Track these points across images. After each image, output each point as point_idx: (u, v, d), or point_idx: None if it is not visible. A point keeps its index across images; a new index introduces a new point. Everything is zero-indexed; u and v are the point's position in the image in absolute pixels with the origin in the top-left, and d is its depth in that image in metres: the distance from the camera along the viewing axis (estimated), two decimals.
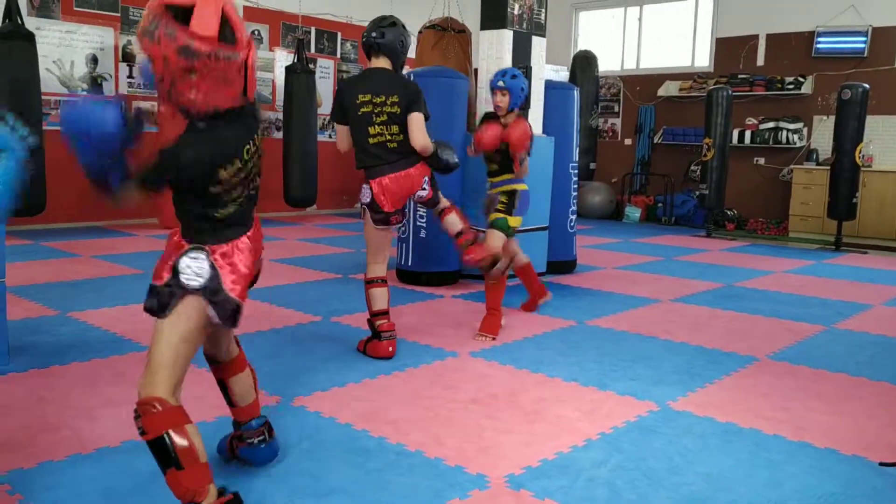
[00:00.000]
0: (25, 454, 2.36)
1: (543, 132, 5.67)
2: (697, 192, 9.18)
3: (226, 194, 1.87)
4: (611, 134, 11.28)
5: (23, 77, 6.45)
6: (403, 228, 5.33)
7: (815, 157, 9.35)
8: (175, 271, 1.87)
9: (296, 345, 3.70)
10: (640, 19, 11.05)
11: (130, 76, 8.20)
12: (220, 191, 1.86)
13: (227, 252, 1.90)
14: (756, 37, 9.91)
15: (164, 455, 1.80)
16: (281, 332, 3.92)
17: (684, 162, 10.48)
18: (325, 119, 10.00)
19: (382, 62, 3.56)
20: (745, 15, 9.93)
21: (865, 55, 9.06)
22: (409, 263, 5.36)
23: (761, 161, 9.95)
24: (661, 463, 2.46)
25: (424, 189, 3.60)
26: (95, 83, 7.91)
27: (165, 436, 1.79)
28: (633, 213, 10.43)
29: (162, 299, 1.89)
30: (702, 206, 8.98)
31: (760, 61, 9.90)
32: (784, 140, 9.60)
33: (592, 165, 10.38)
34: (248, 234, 1.98)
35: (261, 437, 2.26)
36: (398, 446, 2.51)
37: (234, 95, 1.78)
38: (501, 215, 4.03)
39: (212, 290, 1.86)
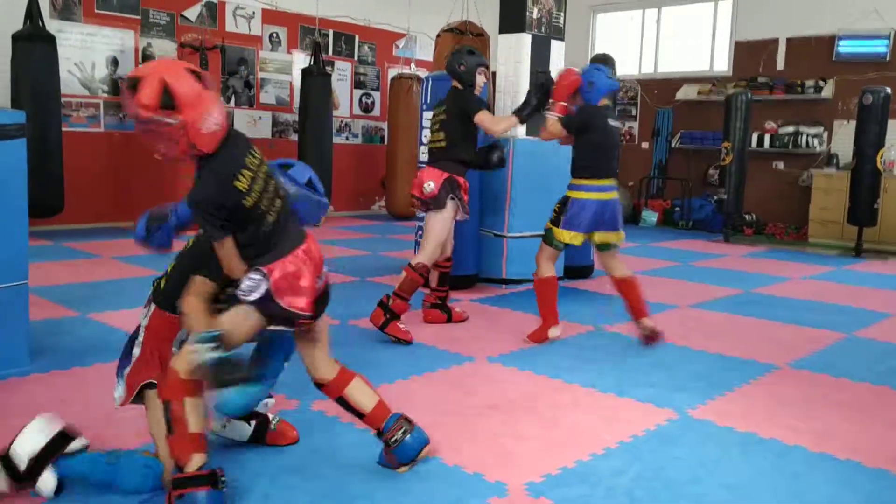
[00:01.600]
0: None
1: None
2: (715, 197, 9.11)
3: (258, 207, 2.10)
4: (628, 137, 11.23)
5: (43, 79, 6.53)
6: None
7: (835, 161, 9.25)
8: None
9: None
10: (658, 22, 10.99)
11: None
12: (251, 203, 2.09)
13: (281, 268, 2.12)
14: (776, 40, 9.82)
15: (165, 419, 2.06)
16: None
17: (702, 166, 10.41)
18: (341, 122, 10.04)
19: (455, 83, 4.21)
20: (764, 18, 9.85)
21: (887, 59, 8.95)
22: None
23: (780, 165, 9.86)
24: (682, 473, 2.44)
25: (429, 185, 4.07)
26: (116, 85, 7.98)
27: (166, 403, 2.05)
28: (650, 217, 10.37)
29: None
30: (720, 211, 8.91)
31: (780, 65, 9.81)
32: (804, 144, 9.52)
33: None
34: (303, 247, 2.19)
35: (402, 430, 2.35)
36: None
37: (196, 145, 2.05)
38: (549, 226, 3.91)
39: (264, 303, 2.10)
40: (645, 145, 11.14)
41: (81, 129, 7.65)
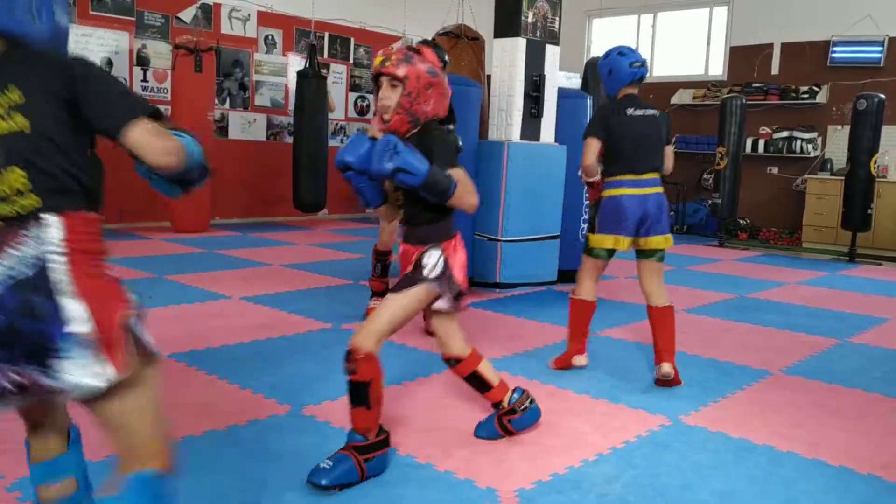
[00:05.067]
0: None
1: (556, 140, 5.65)
2: (710, 201, 9.13)
3: None
4: None
5: None
6: None
7: (829, 167, 9.28)
8: (418, 264, 2.35)
9: (305, 352, 3.69)
10: (653, 27, 11.02)
11: (144, 80, 8.24)
12: None
13: (454, 246, 2.40)
14: (771, 45, 9.85)
15: (361, 395, 2.25)
16: (291, 339, 3.92)
17: (697, 170, 10.43)
18: (336, 124, 10.02)
19: None
20: (759, 23, 9.88)
21: (882, 65, 8.99)
22: None
23: (775, 170, 9.89)
24: (674, 479, 2.43)
25: None
26: None
27: (371, 382, 2.24)
28: None
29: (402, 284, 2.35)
30: (714, 215, 8.93)
31: (775, 70, 9.84)
32: (798, 150, 9.54)
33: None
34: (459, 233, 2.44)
35: (529, 400, 2.69)
36: (408, 458, 2.50)
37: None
38: (588, 235, 3.52)
39: (444, 278, 2.34)
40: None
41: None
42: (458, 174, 2.25)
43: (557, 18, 5.62)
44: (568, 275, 5.84)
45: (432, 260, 2.33)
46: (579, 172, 3.54)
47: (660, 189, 3.40)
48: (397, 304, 2.31)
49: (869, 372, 3.79)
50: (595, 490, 2.33)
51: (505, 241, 5.33)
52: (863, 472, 2.55)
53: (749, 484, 2.42)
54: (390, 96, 2.26)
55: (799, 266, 7.55)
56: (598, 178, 3.45)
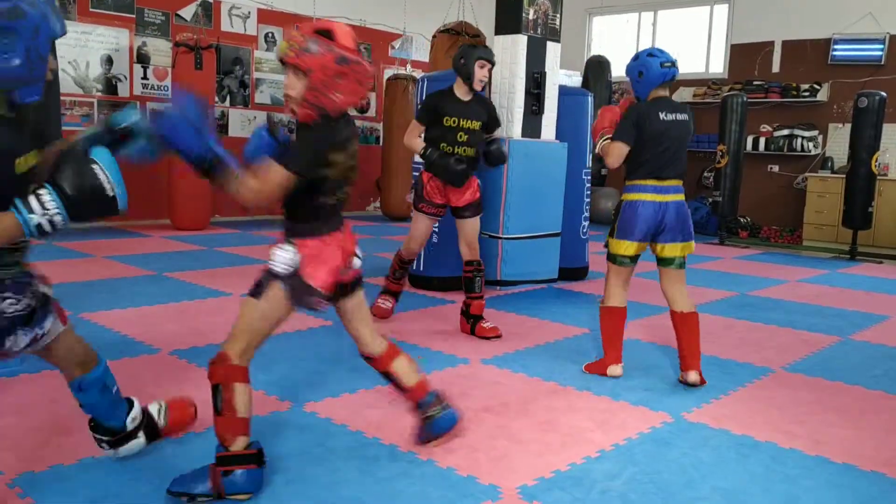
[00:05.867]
0: (37, 457, 2.35)
1: (556, 138, 5.64)
2: (710, 199, 9.12)
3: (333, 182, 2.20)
4: None
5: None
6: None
7: (830, 165, 9.27)
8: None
9: (306, 349, 3.68)
10: (654, 24, 11.00)
11: (145, 77, 8.23)
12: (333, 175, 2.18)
13: (314, 245, 2.21)
14: (771, 43, 9.84)
15: (214, 399, 2.14)
16: (291, 336, 3.91)
17: (697, 168, 10.42)
18: None
19: None
20: (760, 21, 9.87)
21: (883, 63, 8.98)
22: (421, 268, 5.34)
23: (775, 169, 9.88)
24: (676, 476, 2.42)
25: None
26: (110, 84, 7.94)
27: (219, 386, 2.13)
28: None
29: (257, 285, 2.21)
30: (715, 214, 8.92)
31: (776, 68, 9.83)
32: (799, 148, 9.53)
33: (604, 171, 10.34)
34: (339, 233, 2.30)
35: (438, 408, 2.50)
36: (409, 455, 2.49)
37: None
38: (608, 239, 3.43)
39: (290, 277, 2.16)
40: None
41: (76, 127, 7.61)
42: (259, 169, 2.05)
43: (558, 15, 5.61)
44: (569, 272, 5.84)
45: (281, 255, 2.18)
46: (597, 150, 3.46)
47: (681, 196, 3.34)
48: (253, 310, 2.17)
49: (870, 369, 3.78)
50: (597, 487, 2.32)
51: (506, 238, 5.33)
52: (865, 469, 2.54)
53: (751, 481, 2.42)
54: (295, 85, 2.08)
55: (800, 264, 7.55)
56: None
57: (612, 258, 3.39)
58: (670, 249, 3.32)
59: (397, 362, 2.48)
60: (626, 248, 3.30)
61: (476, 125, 4.05)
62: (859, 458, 2.63)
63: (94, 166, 1.68)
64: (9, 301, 1.81)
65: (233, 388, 2.13)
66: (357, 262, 2.39)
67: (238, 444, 2.14)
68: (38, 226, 1.68)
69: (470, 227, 4.12)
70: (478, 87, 4.02)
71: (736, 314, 4.93)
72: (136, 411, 2.33)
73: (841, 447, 2.73)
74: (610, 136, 3.36)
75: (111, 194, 1.69)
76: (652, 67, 3.29)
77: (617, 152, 3.30)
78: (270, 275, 2.18)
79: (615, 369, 3.44)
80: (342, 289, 2.32)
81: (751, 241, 9.29)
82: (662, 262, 3.38)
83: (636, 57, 3.37)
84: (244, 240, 7.44)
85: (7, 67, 1.65)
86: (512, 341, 3.99)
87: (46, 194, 1.67)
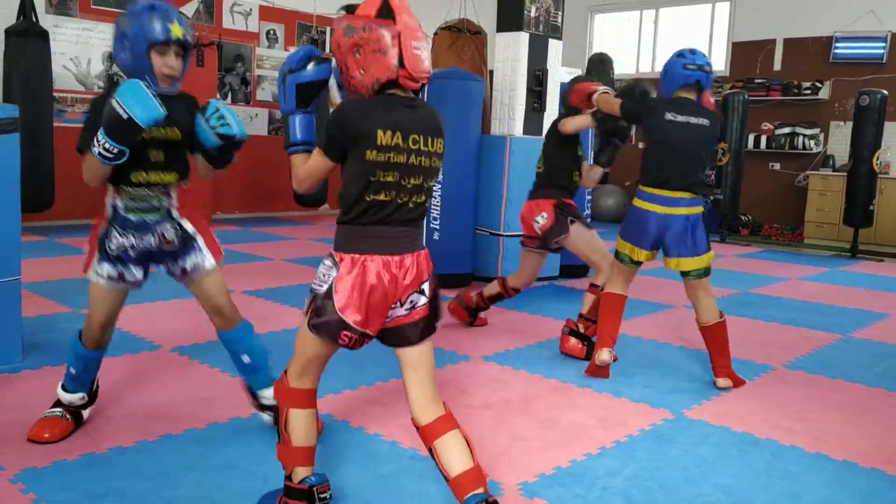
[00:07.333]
0: (39, 453, 2.36)
1: None
2: (712, 197, 9.11)
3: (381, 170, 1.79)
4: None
5: (35, 75, 6.49)
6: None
7: (831, 163, 9.27)
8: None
9: None
10: (655, 22, 10.99)
11: None
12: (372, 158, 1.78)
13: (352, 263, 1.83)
14: (773, 41, 9.83)
15: (276, 421, 2.05)
16: (292, 332, 3.89)
17: None
18: None
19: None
20: (762, 19, 9.85)
21: (884, 61, 8.97)
22: None
23: (777, 166, 9.87)
24: (677, 473, 2.43)
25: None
26: (111, 81, 7.94)
27: (279, 409, 1.99)
28: None
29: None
30: (716, 211, 8.92)
31: (777, 66, 9.82)
32: (800, 146, 9.53)
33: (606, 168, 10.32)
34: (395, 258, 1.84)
35: (307, 493, 1.96)
36: (411, 451, 2.50)
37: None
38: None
39: (322, 297, 1.87)
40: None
41: (77, 124, 7.60)
42: (305, 157, 1.94)
43: (560, 13, 5.61)
44: (569, 270, 5.84)
45: (320, 267, 1.89)
46: (594, 98, 3.44)
47: (693, 210, 3.19)
48: (300, 329, 1.97)
49: (871, 367, 3.78)
50: (598, 483, 2.33)
51: (507, 235, 5.33)
52: (866, 467, 2.55)
53: (752, 478, 2.42)
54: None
55: (801, 262, 7.55)
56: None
57: (615, 252, 3.39)
58: (683, 263, 3.22)
59: (442, 441, 1.89)
60: (630, 250, 3.27)
61: None
62: (859, 455, 2.64)
63: (112, 100, 2.07)
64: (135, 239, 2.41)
65: (287, 413, 1.96)
66: (419, 301, 1.89)
67: (296, 475, 1.96)
68: (100, 154, 2.10)
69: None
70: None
71: (737, 312, 4.93)
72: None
73: (841, 444, 2.73)
74: (606, 92, 3.33)
75: (125, 116, 2.05)
76: (674, 67, 3.19)
77: (612, 107, 3.27)
78: (310, 290, 1.91)
79: (602, 354, 3.29)
80: (396, 333, 1.91)
81: (752, 239, 9.29)
82: (682, 274, 3.28)
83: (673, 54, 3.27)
84: (246, 237, 7.44)
85: (118, 59, 2.26)
86: (513, 338, 3.99)
87: (99, 132, 2.11)
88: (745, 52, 10.03)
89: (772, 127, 9.79)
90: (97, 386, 2.65)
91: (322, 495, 1.97)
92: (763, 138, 9.78)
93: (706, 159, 3.24)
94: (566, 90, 3.81)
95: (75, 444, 2.43)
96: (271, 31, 9.32)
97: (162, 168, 2.34)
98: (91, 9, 7.73)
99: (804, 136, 9.50)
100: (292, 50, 2.08)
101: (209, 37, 8.02)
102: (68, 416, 2.53)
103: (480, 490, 1.84)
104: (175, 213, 2.43)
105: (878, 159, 7.84)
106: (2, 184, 3.09)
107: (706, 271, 3.25)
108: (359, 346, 1.91)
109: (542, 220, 3.78)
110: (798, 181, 9.66)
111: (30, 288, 4.48)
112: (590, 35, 11.63)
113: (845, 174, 8.23)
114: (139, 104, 2.06)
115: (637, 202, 3.24)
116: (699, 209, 3.23)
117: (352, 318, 1.82)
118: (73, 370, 2.52)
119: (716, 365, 3.31)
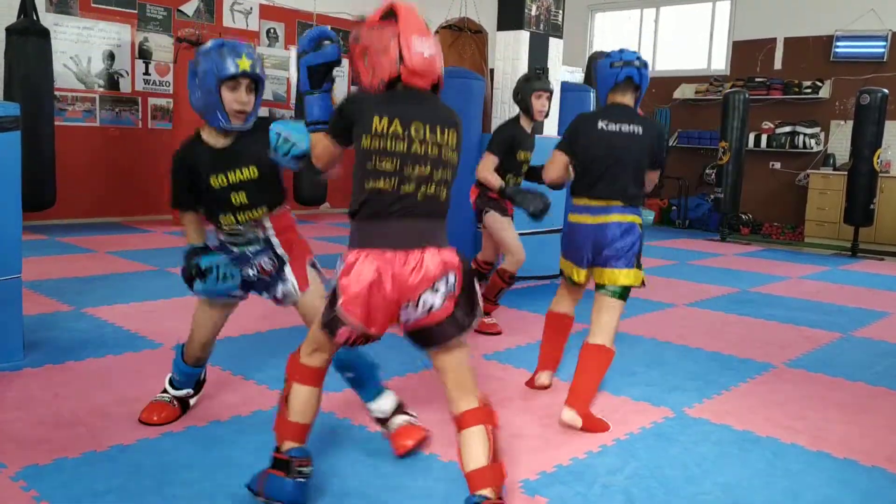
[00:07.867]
0: (40, 450, 2.36)
1: (558, 134, 5.64)
2: (712, 196, 9.12)
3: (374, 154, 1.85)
4: None
5: (36, 73, 6.49)
6: None
7: (831, 162, 9.27)
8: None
9: None
10: (656, 21, 10.98)
11: (146, 73, 8.22)
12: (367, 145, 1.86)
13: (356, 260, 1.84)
14: (774, 40, 9.83)
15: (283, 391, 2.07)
16: (293, 330, 3.91)
17: (699, 165, 10.41)
18: None
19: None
20: (762, 18, 9.85)
21: (885, 60, 8.96)
22: None
23: (777, 165, 9.87)
24: (678, 471, 2.43)
25: None
26: (112, 80, 7.94)
27: (286, 381, 2.04)
28: (647, 215, 10.35)
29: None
30: (716, 210, 8.92)
31: (778, 65, 9.82)
32: (801, 144, 9.52)
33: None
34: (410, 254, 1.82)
35: (299, 469, 1.99)
36: (413, 449, 2.50)
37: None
38: None
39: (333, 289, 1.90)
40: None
41: (77, 123, 7.62)
42: (322, 136, 2.03)
43: (561, 12, 5.61)
44: None
45: (336, 266, 1.90)
46: (547, 181, 3.06)
47: (625, 217, 2.83)
48: (318, 317, 2.01)
49: (871, 366, 3.79)
50: (599, 481, 2.33)
51: None
52: (866, 465, 2.55)
53: (753, 476, 2.42)
54: None
55: (801, 261, 7.55)
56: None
57: (560, 272, 3.14)
58: (607, 275, 2.83)
59: (465, 434, 1.91)
60: (570, 269, 2.97)
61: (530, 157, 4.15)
62: (860, 453, 2.64)
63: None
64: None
65: (291, 385, 2.02)
66: (434, 301, 1.83)
67: (283, 448, 2.01)
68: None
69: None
70: (538, 118, 4.14)
71: (737, 310, 4.94)
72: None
73: (842, 443, 2.73)
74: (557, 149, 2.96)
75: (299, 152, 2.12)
76: (602, 69, 2.90)
77: (552, 164, 2.93)
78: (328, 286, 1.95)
79: (542, 377, 3.14)
80: (423, 335, 1.91)
81: (752, 238, 9.29)
82: (598, 286, 2.89)
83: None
84: None
85: (192, 100, 2.32)
86: (514, 337, 3.99)
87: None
88: (746, 51, 10.03)
89: (772, 126, 9.79)
90: (204, 378, 2.80)
91: (300, 468, 2.00)
92: (763, 137, 9.78)
93: (642, 170, 2.90)
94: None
95: (76, 442, 2.43)
96: (272, 30, 9.32)
97: (247, 208, 2.35)
98: (91, 7, 7.73)
99: (805, 134, 9.50)
100: (300, 39, 2.13)
101: (209, 35, 8.01)
102: (175, 402, 2.65)
103: (486, 490, 1.84)
104: (273, 241, 2.44)
105: (878, 158, 7.83)
106: (3, 182, 3.09)
107: (623, 294, 2.84)
108: (360, 343, 1.91)
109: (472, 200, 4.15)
110: (798, 180, 9.66)
111: (30, 286, 4.48)
112: (590, 34, 11.63)
113: (846, 173, 8.23)
114: (296, 132, 2.11)
115: (570, 216, 2.96)
116: (634, 218, 2.86)
117: (351, 315, 1.82)
118: (177, 376, 2.65)
119: (574, 392, 2.76)
